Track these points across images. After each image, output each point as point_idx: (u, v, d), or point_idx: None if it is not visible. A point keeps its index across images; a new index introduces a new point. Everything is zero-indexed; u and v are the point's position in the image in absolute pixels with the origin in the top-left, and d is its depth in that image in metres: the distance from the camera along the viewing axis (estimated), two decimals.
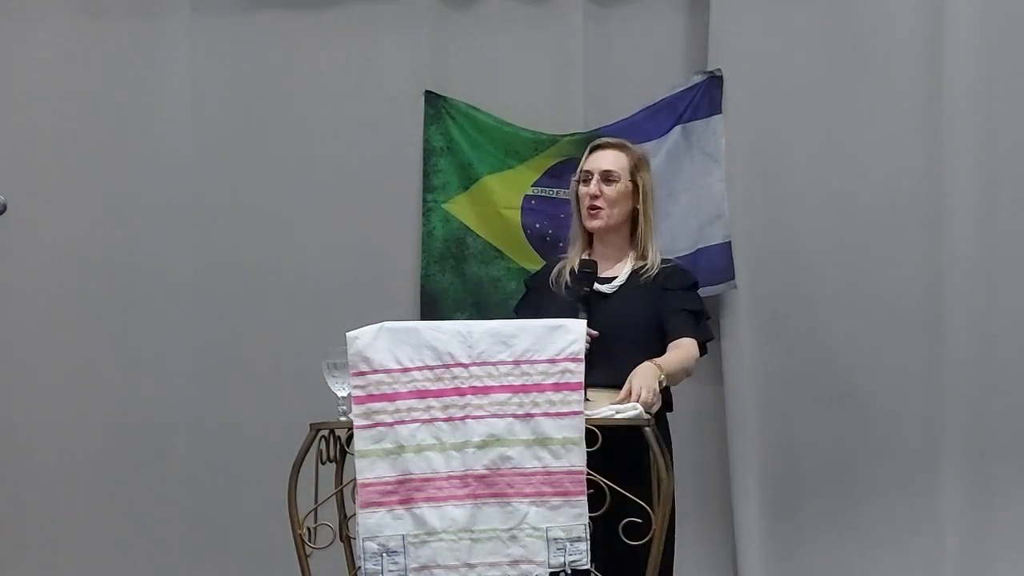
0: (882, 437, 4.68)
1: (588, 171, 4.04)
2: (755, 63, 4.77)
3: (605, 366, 3.78)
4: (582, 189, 4.05)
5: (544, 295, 4.05)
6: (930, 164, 4.66)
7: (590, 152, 4.08)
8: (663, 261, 4.05)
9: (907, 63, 4.69)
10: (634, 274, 4.00)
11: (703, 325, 4.02)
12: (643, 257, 4.02)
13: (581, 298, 3.90)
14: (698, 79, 4.77)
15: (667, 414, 3.96)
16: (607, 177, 4.01)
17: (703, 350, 4.00)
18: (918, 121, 4.67)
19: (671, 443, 3.94)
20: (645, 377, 3.69)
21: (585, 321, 3.64)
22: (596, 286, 3.95)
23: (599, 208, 4.02)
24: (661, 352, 3.87)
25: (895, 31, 4.71)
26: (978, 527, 4.61)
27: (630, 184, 4.03)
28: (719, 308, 4.72)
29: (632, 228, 4.06)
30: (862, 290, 4.71)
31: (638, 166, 4.05)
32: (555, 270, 4.08)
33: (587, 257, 4.03)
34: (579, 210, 4.08)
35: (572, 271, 4.02)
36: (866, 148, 4.72)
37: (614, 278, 4.00)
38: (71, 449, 5.01)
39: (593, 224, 4.04)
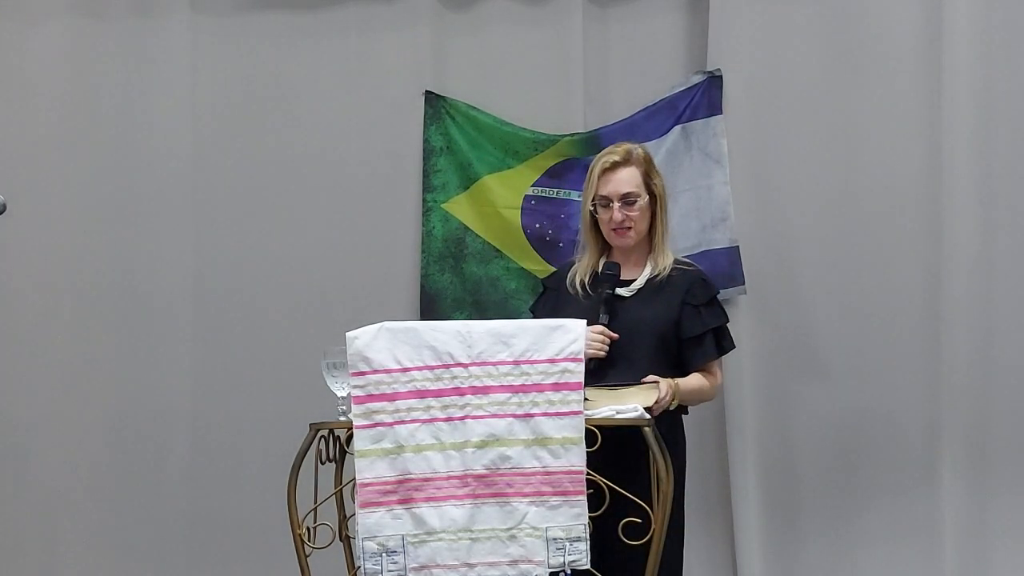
0: (882, 437, 4.68)
1: (606, 196, 3.99)
2: (755, 63, 4.77)
3: (624, 367, 3.81)
4: (603, 214, 3.99)
5: (562, 296, 4.05)
6: (930, 164, 4.66)
7: (602, 174, 3.99)
8: (684, 264, 4.04)
9: (907, 63, 4.69)
10: (652, 277, 4.00)
11: (724, 341, 4.02)
12: (659, 260, 4.01)
13: (604, 300, 3.91)
14: (698, 79, 4.77)
15: (682, 416, 3.98)
16: (627, 200, 3.98)
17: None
18: (918, 121, 4.67)
19: (684, 444, 3.99)
20: (668, 388, 3.77)
21: (585, 321, 3.65)
22: (616, 289, 3.96)
23: (628, 228, 3.99)
24: (676, 354, 3.94)
25: (895, 31, 4.71)
26: (977, 527, 4.61)
27: (648, 197, 4.00)
28: None
29: (651, 232, 4.05)
30: (862, 290, 4.71)
31: (649, 173, 4.02)
32: (570, 273, 4.07)
33: (611, 261, 4.03)
34: (591, 227, 4.04)
35: (595, 273, 4.01)
36: (866, 148, 4.72)
37: (633, 281, 3.99)
38: (71, 448, 5.01)
39: (623, 243, 4.02)
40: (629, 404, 3.64)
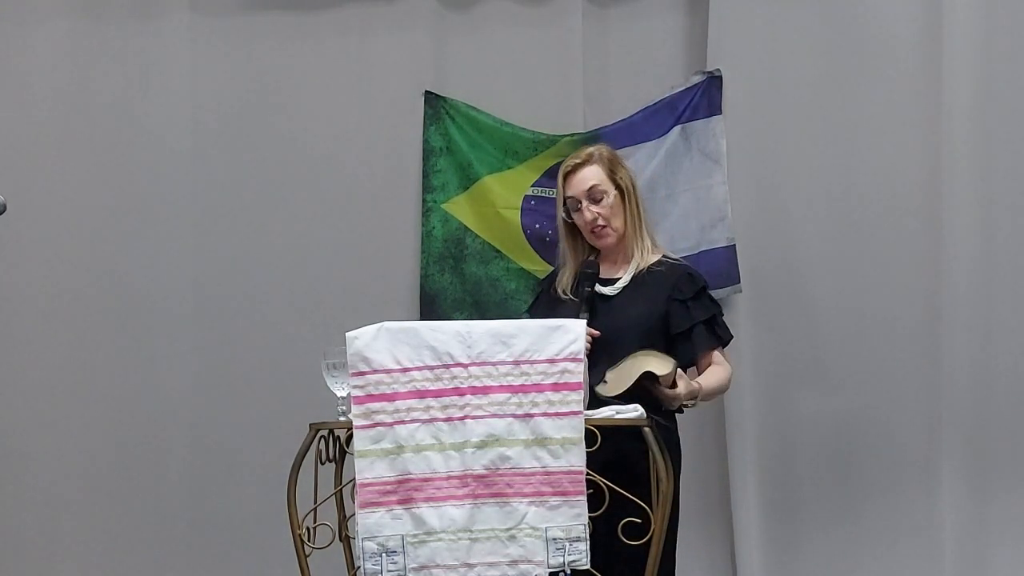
0: (881, 438, 4.69)
1: (573, 198, 4.02)
2: (755, 63, 4.77)
3: (607, 366, 3.80)
4: (578, 219, 4.02)
5: (553, 298, 4.07)
6: (930, 164, 4.66)
7: (565, 179, 4.04)
8: (672, 259, 4.05)
9: (907, 63, 4.69)
10: (637, 275, 4.01)
11: (720, 331, 4.02)
12: (638, 255, 4.02)
13: (583, 298, 3.91)
14: (697, 79, 4.77)
15: (676, 415, 3.98)
16: (594, 196, 4.00)
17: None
18: (918, 121, 4.67)
19: (678, 443, 3.98)
20: (689, 387, 3.78)
21: (585, 321, 3.65)
22: (599, 288, 3.97)
23: (604, 226, 4.01)
24: (666, 351, 3.89)
25: (895, 31, 4.71)
26: (977, 527, 4.61)
27: (615, 191, 4.02)
28: None
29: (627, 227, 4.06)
30: (861, 291, 4.71)
31: (613, 168, 4.04)
32: (556, 280, 4.10)
33: (591, 259, 4.04)
34: (568, 235, 4.07)
35: (576, 273, 4.03)
36: (866, 148, 4.72)
37: (617, 279, 4.01)
38: (71, 448, 5.01)
39: (605, 243, 4.03)
40: (630, 405, 3.65)
